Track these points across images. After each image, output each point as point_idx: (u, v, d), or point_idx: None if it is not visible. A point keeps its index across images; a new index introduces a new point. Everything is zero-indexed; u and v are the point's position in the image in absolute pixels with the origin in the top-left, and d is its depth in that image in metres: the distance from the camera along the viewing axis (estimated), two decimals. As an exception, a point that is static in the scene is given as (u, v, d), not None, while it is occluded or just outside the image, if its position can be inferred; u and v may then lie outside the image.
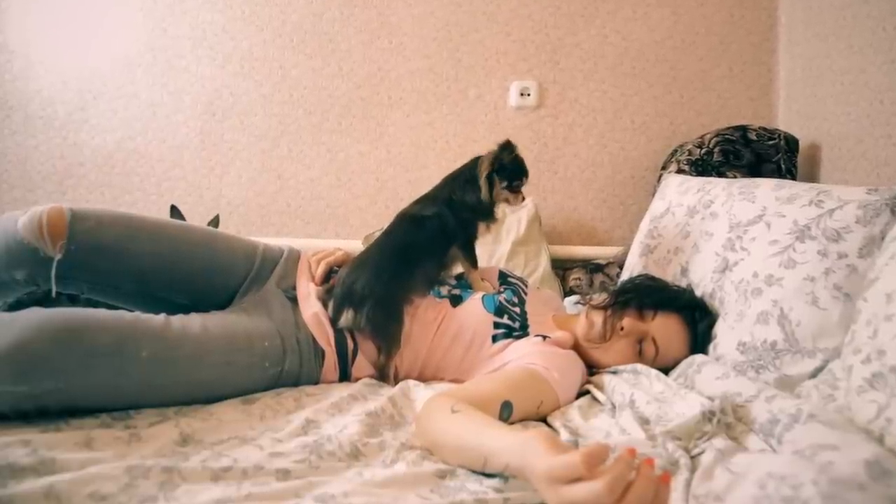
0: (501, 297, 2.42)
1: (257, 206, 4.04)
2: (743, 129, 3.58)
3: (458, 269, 2.57)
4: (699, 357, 2.26)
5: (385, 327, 2.26)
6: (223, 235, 2.44)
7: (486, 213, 2.46)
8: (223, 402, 1.92)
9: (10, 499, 1.23)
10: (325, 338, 2.23)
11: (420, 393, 2.10)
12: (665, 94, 4.08)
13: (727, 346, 2.27)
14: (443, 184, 2.51)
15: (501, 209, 2.52)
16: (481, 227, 2.48)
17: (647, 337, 2.31)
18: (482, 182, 2.40)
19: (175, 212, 3.31)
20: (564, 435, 1.79)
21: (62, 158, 3.95)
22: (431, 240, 2.39)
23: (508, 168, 2.43)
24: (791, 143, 3.52)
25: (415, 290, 2.37)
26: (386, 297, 2.26)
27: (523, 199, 2.52)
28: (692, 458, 1.59)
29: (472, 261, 2.51)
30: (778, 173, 3.42)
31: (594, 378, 2.31)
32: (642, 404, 1.92)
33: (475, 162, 2.47)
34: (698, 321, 2.39)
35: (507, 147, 2.42)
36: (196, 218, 3.86)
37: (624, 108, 4.08)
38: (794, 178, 3.44)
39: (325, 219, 4.06)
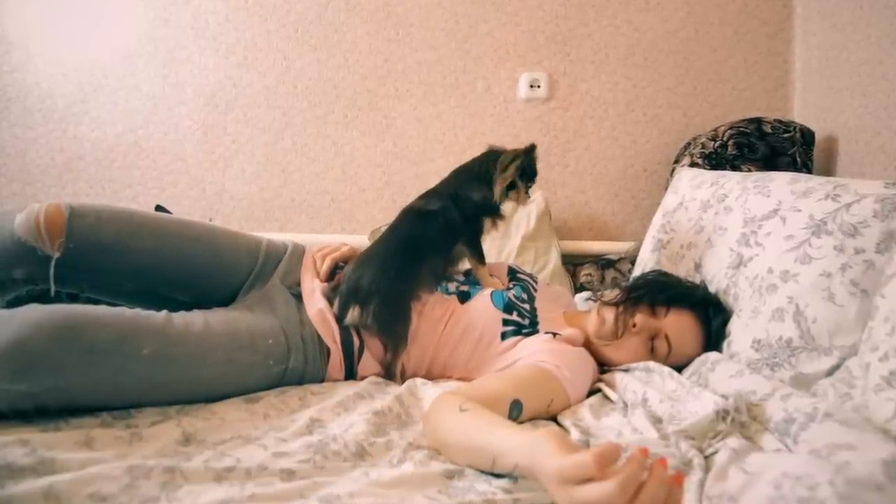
0: (511, 294, 2.42)
1: (261, 200, 4.04)
2: (758, 122, 3.58)
3: (466, 264, 2.57)
4: (713, 355, 2.26)
5: (392, 325, 2.25)
6: (226, 231, 2.44)
7: (493, 211, 2.46)
8: (226, 401, 1.93)
9: (9, 499, 1.23)
10: (331, 335, 2.23)
11: (427, 391, 2.10)
12: (678, 86, 4.08)
13: (741, 343, 2.27)
14: (449, 178, 2.51)
15: (510, 206, 2.51)
16: (487, 222, 2.47)
17: (659, 334, 2.31)
18: (499, 186, 2.40)
19: (160, 211, 3.31)
20: (575, 434, 1.79)
21: (61, 152, 3.95)
22: (436, 235, 2.38)
23: (527, 172, 2.44)
24: (807, 136, 3.51)
25: (421, 286, 2.37)
26: (393, 294, 2.25)
27: (528, 198, 2.52)
28: (706, 457, 1.58)
29: (478, 257, 2.51)
30: (793, 167, 3.42)
31: (605, 376, 2.31)
32: (655, 403, 1.92)
33: (486, 158, 2.47)
34: (712, 318, 2.38)
35: (532, 151, 2.43)
36: (199, 213, 3.87)
37: (636, 101, 4.08)
38: (809, 171, 3.44)
39: (331, 213, 4.06)
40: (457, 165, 2.54)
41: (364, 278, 2.25)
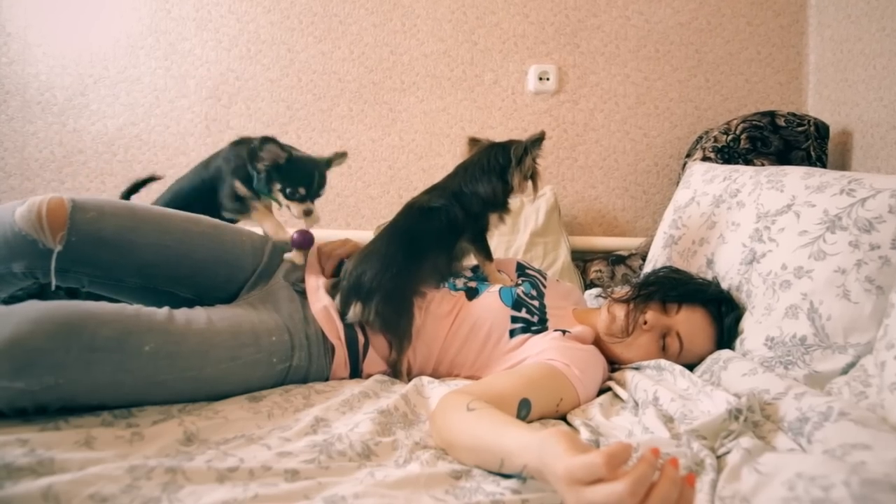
0: (519, 290, 2.42)
1: (264, 195, 4.02)
2: (771, 115, 3.58)
3: (473, 260, 2.56)
4: (725, 352, 2.26)
5: (395, 321, 2.25)
6: (230, 227, 2.44)
7: (500, 205, 2.46)
8: (229, 400, 1.93)
9: (8, 500, 1.23)
10: (335, 333, 2.23)
11: (434, 390, 2.10)
12: (690, 79, 4.07)
13: (754, 341, 2.26)
14: (453, 175, 2.51)
15: (516, 201, 2.51)
16: (493, 218, 2.47)
17: (671, 331, 2.31)
18: (517, 177, 2.41)
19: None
20: (585, 434, 1.79)
21: (61, 145, 3.95)
22: (439, 232, 2.38)
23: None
24: (821, 130, 3.51)
25: (424, 282, 2.37)
26: (394, 290, 2.25)
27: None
28: (718, 457, 1.59)
29: (485, 253, 2.51)
30: (807, 161, 3.42)
31: (616, 374, 2.32)
32: (666, 402, 1.92)
33: (492, 151, 2.47)
34: (724, 315, 2.38)
35: (542, 139, 2.43)
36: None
37: (647, 93, 4.08)
38: (824, 165, 3.44)
39: (335, 208, 4.06)
40: (463, 159, 2.53)
41: (365, 275, 2.25)
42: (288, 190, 2.40)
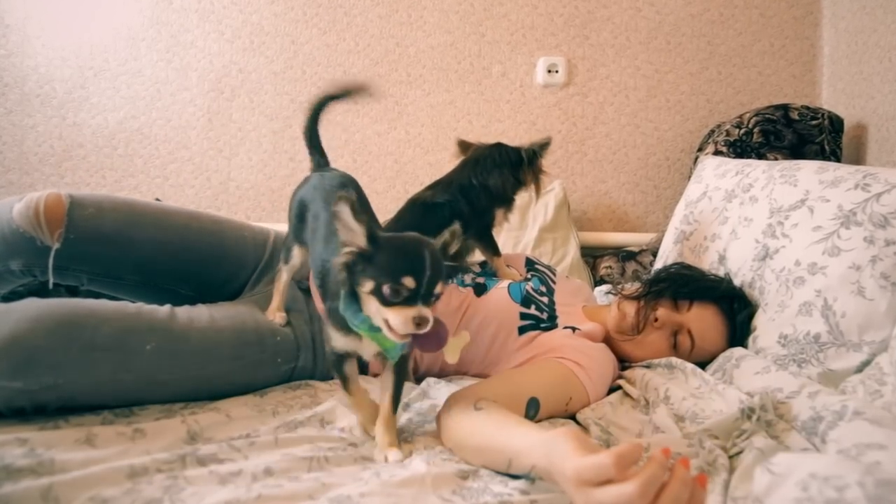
0: (528, 286, 2.42)
1: (268, 190, 4.03)
2: (784, 109, 3.57)
3: (479, 257, 2.57)
4: (738, 350, 2.26)
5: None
6: (232, 223, 2.44)
7: (506, 200, 2.47)
8: (233, 398, 1.94)
9: (6, 501, 1.23)
10: (340, 331, 2.22)
11: (441, 390, 2.11)
12: (702, 71, 4.06)
13: (768, 338, 2.26)
14: (460, 169, 2.51)
15: (528, 194, 2.52)
16: (498, 214, 2.48)
17: (682, 329, 2.31)
18: (531, 176, 2.43)
19: None
20: (595, 433, 1.79)
21: (61, 139, 3.95)
22: (444, 228, 2.37)
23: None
24: (835, 123, 3.50)
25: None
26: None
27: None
28: (730, 457, 1.58)
29: (492, 249, 2.52)
30: (821, 155, 3.41)
31: (626, 372, 2.31)
32: (677, 400, 1.92)
33: (501, 147, 2.47)
34: (737, 312, 2.37)
35: (549, 144, 2.45)
36: (204, 203, 3.86)
37: (658, 86, 4.07)
38: (838, 160, 3.43)
39: (340, 204, 4.02)
40: (468, 156, 2.53)
41: (366, 271, 2.24)
42: (385, 288, 1.63)
